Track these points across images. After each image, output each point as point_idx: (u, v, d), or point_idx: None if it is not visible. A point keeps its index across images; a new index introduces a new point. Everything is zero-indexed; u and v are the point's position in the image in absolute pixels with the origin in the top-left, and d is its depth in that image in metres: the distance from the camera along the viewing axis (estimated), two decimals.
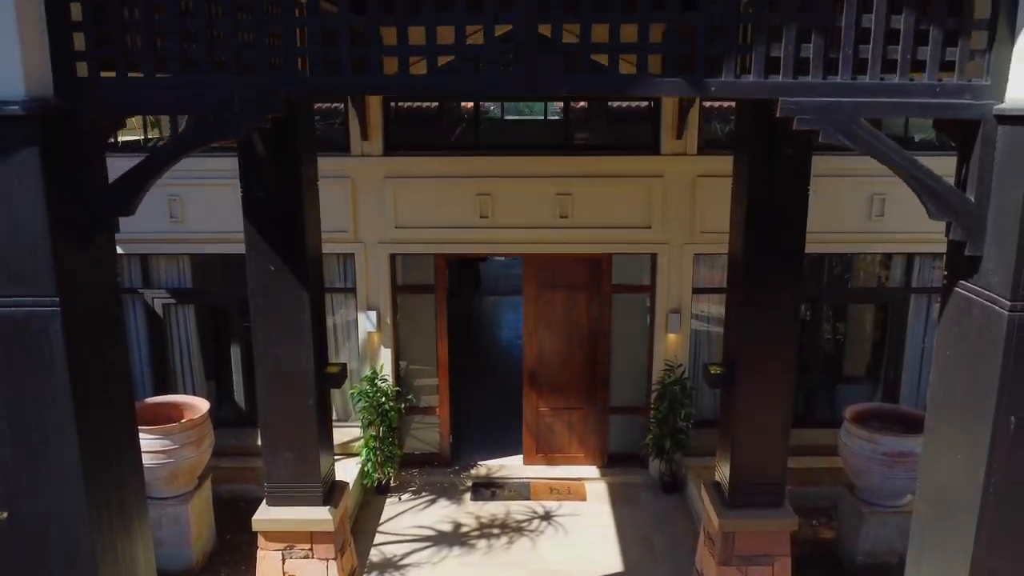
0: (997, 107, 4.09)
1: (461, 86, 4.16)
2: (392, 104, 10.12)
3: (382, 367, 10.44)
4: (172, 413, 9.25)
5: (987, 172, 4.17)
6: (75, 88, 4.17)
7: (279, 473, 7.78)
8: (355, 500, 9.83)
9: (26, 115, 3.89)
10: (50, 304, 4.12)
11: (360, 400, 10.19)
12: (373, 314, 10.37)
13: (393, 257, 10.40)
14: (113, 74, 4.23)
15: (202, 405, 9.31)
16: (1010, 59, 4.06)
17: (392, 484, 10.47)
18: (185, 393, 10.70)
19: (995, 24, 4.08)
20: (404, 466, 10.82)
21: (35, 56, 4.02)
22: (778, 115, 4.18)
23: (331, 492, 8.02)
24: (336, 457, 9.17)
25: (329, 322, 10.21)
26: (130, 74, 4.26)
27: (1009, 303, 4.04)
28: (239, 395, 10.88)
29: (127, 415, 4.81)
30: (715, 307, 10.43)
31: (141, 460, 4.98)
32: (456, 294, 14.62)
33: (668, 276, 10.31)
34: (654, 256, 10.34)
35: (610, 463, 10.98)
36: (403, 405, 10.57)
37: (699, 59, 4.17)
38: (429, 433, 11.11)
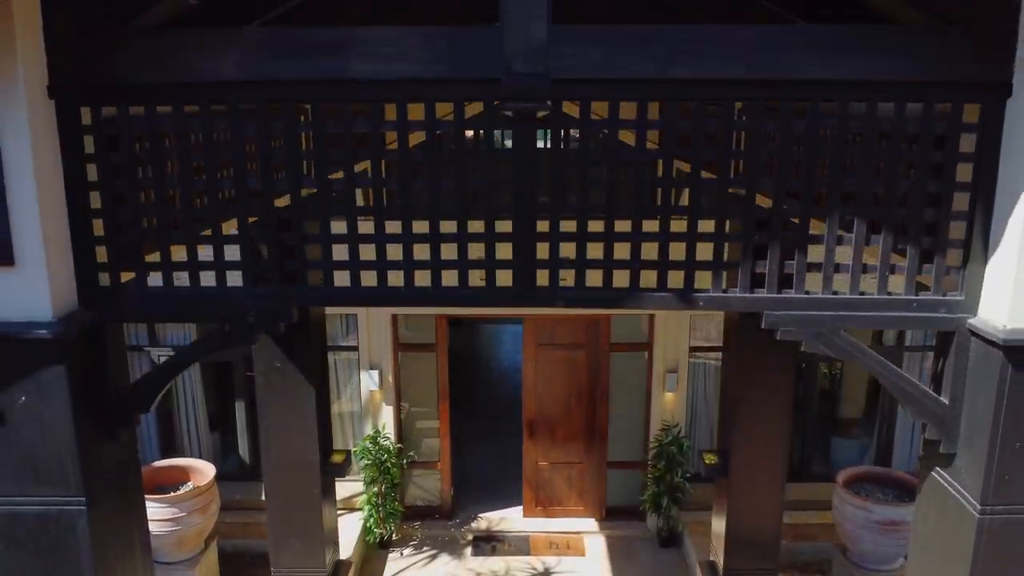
0: (970, 321, 4.42)
1: (464, 298, 4.48)
2: None
3: (384, 426, 10.82)
4: (179, 477, 9.63)
5: (960, 378, 4.50)
6: (98, 297, 4.50)
7: (285, 557, 8.21)
8: (358, 557, 10.24)
9: (54, 339, 4.22)
10: (77, 504, 4.48)
11: (363, 458, 10.58)
12: (375, 373, 10.74)
13: (395, 317, 10.75)
14: (133, 279, 4.55)
15: (208, 469, 9.66)
16: (983, 277, 4.38)
17: (394, 538, 10.89)
18: (189, 446, 11.13)
19: (969, 243, 4.38)
20: (406, 519, 11.23)
21: (61, 274, 4.35)
22: (763, 327, 4.51)
23: (336, 574, 8.45)
24: (339, 512, 9.61)
25: (332, 381, 10.61)
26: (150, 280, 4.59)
27: (979, 506, 4.40)
28: (243, 449, 11.27)
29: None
30: (712, 365, 10.80)
31: None
32: (457, 323, 14.98)
33: (665, 336, 10.67)
34: (652, 316, 10.68)
35: (608, 516, 11.41)
36: (405, 461, 10.97)
37: (688, 276, 4.51)
38: (431, 486, 11.53)
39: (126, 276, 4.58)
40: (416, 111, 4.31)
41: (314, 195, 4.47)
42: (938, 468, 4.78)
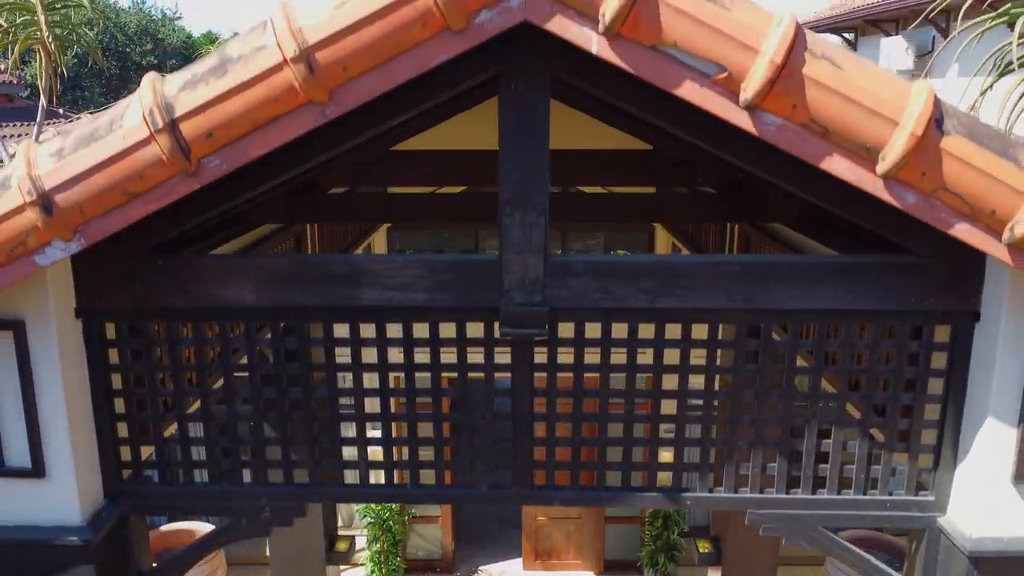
0: (939, 520, 4.84)
1: (462, 497, 4.93)
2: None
3: None
4: (186, 541, 10.07)
5: (931, 570, 4.93)
6: (122, 492, 4.92)
7: None
8: None
9: (84, 544, 4.65)
10: None
11: (366, 516, 11.07)
12: (378, 433, 11.14)
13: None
14: (156, 477, 4.98)
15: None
16: (952, 481, 4.79)
17: None
18: None
19: (940, 448, 4.79)
20: (408, 572, 11.75)
21: (87, 477, 4.76)
22: (746, 523, 4.94)
23: None
24: (342, 569, 10.11)
25: None
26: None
27: None
28: None
29: None
30: None
31: None
32: None
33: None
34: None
35: (607, 569, 11.94)
36: (407, 518, 11.46)
37: (676, 477, 4.94)
38: (432, 536, 12.03)
39: (148, 470, 5.00)
40: (420, 330, 4.73)
41: (324, 402, 4.88)
42: None
